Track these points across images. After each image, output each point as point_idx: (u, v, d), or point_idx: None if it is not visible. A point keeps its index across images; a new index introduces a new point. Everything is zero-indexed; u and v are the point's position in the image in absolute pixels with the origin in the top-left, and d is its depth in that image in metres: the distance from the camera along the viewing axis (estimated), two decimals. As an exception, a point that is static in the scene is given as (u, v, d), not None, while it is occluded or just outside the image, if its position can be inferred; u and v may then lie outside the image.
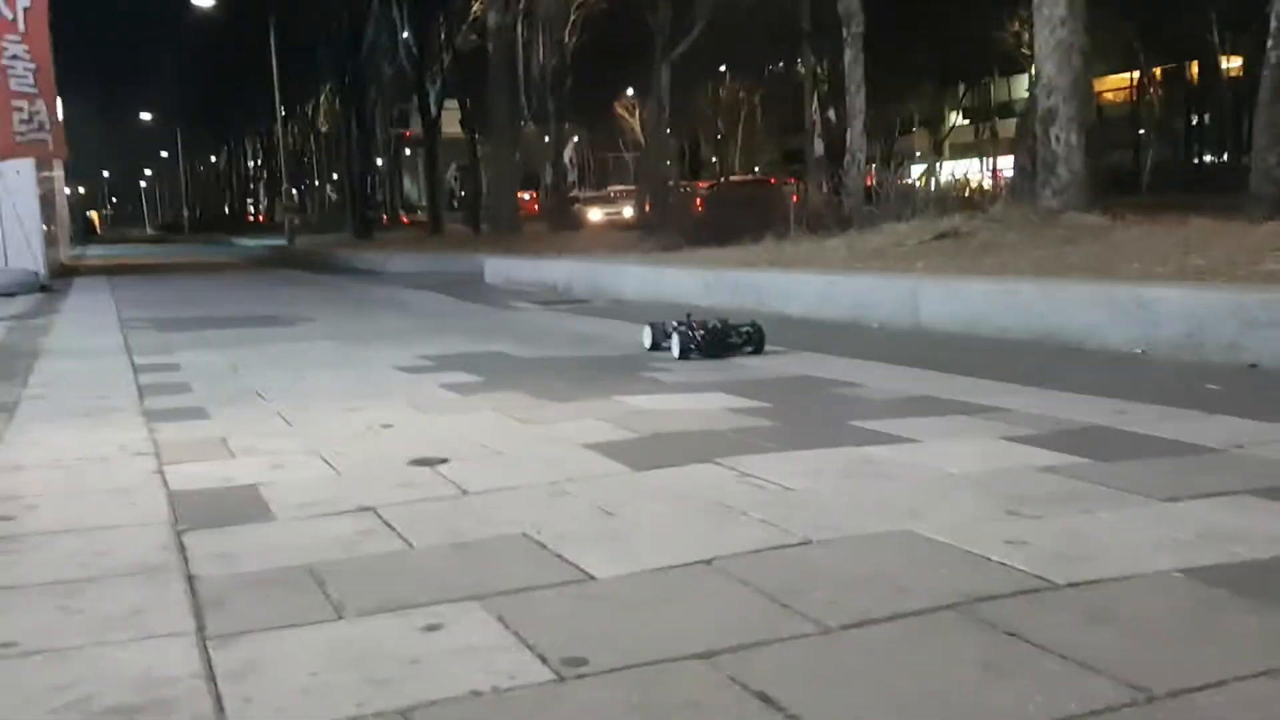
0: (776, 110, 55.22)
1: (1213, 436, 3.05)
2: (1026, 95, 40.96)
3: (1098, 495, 2.48)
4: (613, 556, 2.14)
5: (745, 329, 5.31)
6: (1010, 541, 2.14)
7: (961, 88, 53.22)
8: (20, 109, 12.64)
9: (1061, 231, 8.55)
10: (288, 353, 5.88)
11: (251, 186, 78.18)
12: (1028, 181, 11.15)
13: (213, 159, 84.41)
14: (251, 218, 71.76)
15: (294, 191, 48.89)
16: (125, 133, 77.41)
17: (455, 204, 50.72)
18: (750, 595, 1.91)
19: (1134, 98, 45.87)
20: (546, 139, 36.63)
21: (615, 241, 16.45)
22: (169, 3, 62.02)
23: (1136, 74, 44.62)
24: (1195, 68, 43.76)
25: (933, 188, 14.04)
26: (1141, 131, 45.24)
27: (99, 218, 75.99)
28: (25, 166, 14.72)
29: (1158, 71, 44.64)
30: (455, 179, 55.24)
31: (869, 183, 14.99)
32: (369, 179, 41.11)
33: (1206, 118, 45.96)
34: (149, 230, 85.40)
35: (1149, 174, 39.28)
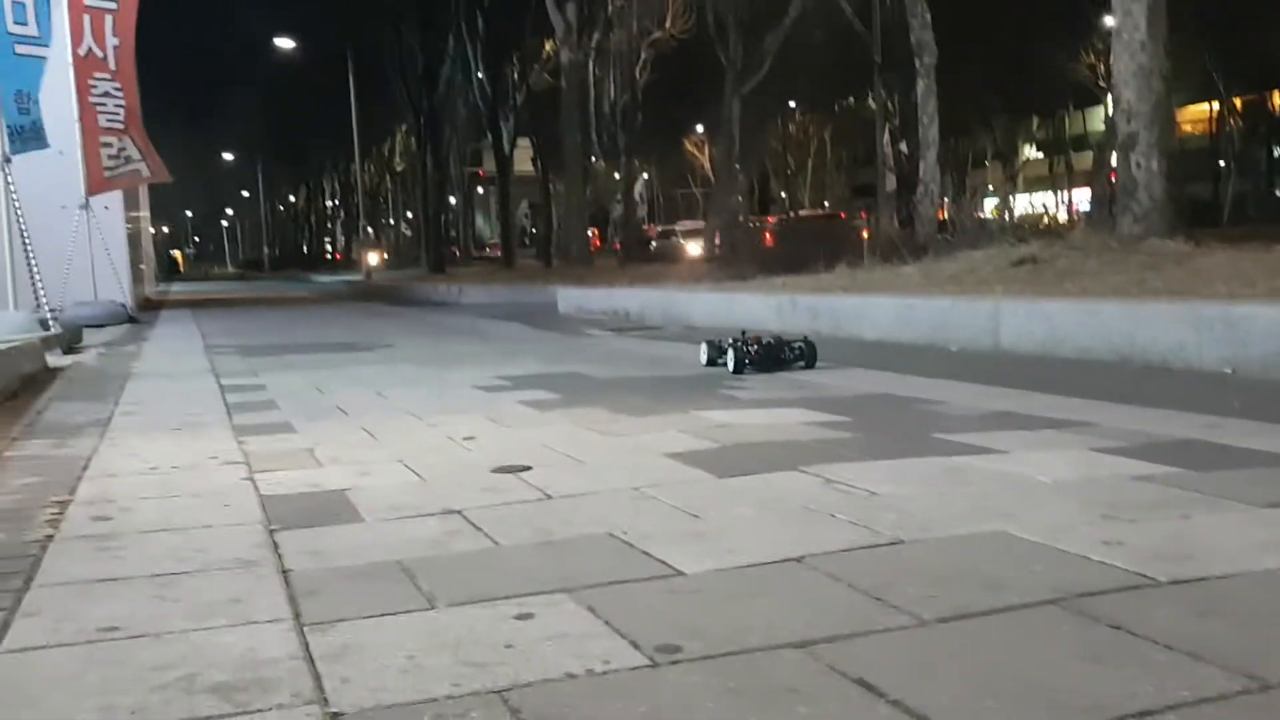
0: (846, 144, 55.14)
1: (1312, 449, 2.96)
2: (1103, 127, 40.49)
3: (1194, 501, 2.42)
4: (700, 554, 2.13)
5: (798, 345, 5.52)
6: (1108, 542, 2.09)
7: (1035, 120, 52.70)
8: (109, 144, 13.05)
9: (1142, 258, 8.39)
10: (368, 374, 5.96)
11: (329, 225, 79.70)
12: (1105, 212, 10.98)
13: (291, 198, 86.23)
14: (329, 255, 73.12)
15: (370, 229, 49.76)
16: (208, 173, 79.36)
17: (526, 240, 51.27)
18: (843, 590, 1.88)
19: (1213, 129, 45.03)
20: (616, 175, 36.91)
21: (685, 273, 16.49)
22: (251, 45, 63.86)
23: (1216, 104, 43.82)
24: (1277, 98, 42.90)
25: (1007, 218, 13.90)
26: (1221, 163, 44.37)
27: (182, 256, 77.97)
28: (114, 202, 15.18)
29: (1238, 101, 43.81)
30: (526, 215, 55.86)
31: (941, 215, 14.91)
32: (443, 216, 41.72)
33: (1289, 149, 44.99)
34: (230, 268, 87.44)
35: (1229, 206, 38.51)
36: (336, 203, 75.09)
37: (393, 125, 52.10)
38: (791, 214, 44.41)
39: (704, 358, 5.75)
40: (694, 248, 30.58)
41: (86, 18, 12.65)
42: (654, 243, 35.83)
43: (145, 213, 27.39)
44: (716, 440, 3.39)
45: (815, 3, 24.87)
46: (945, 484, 2.69)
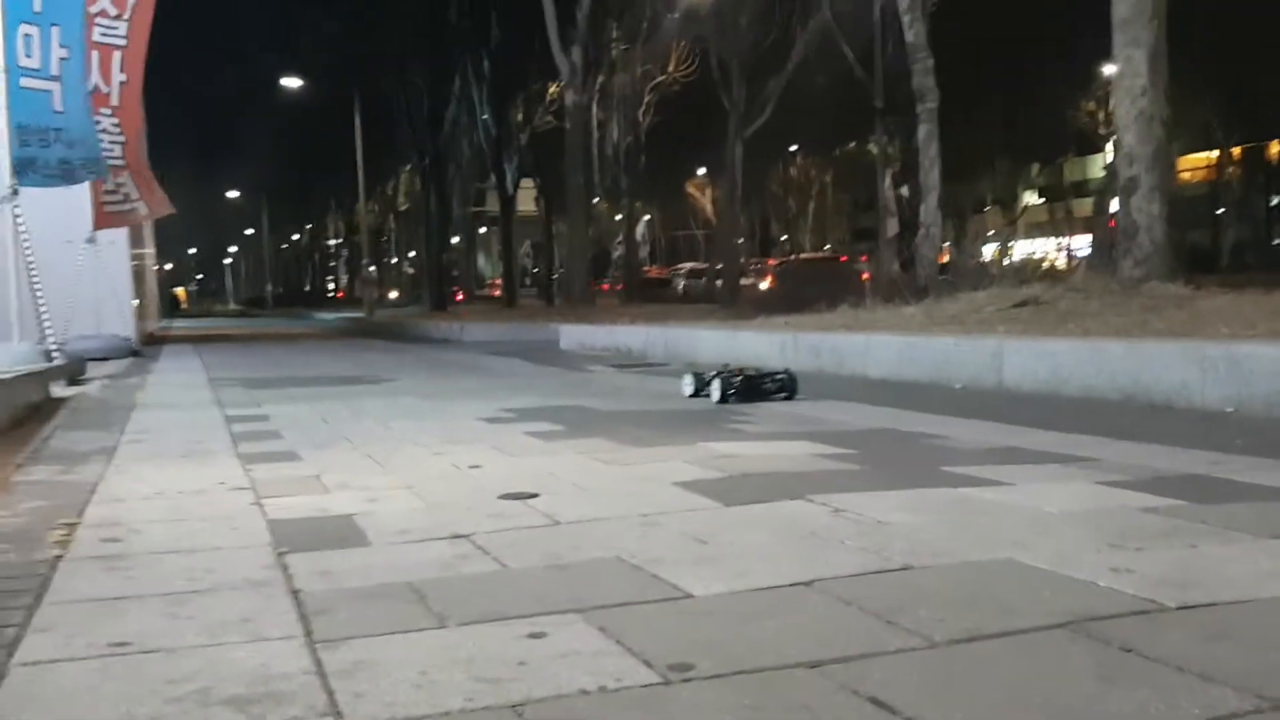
0: (848, 188, 55.42)
1: (1318, 484, 2.97)
2: (1103, 174, 40.73)
3: (1201, 532, 2.42)
4: (710, 577, 2.13)
5: (779, 376, 5.82)
6: (1115, 569, 2.10)
7: (1036, 167, 53.01)
8: (106, 181, 13.09)
9: (1143, 300, 8.43)
10: (373, 406, 5.97)
11: (332, 263, 79.98)
12: (1105, 256, 11.04)
13: (295, 236, 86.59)
14: (331, 294, 73.31)
15: (372, 268, 49.96)
16: (212, 210, 79.70)
17: (528, 280, 51.43)
18: (854, 613, 1.89)
19: (1212, 176, 45.31)
20: (618, 217, 37.11)
21: (687, 313, 16.53)
22: (257, 84, 64.36)
23: (1215, 152, 44.12)
24: (1276, 147, 43.18)
25: (1007, 262, 13.97)
26: (1220, 211, 44.60)
27: (185, 293, 78.18)
28: (119, 238, 15.23)
29: (1236, 150, 44.10)
30: (528, 255, 56.07)
31: (942, 259, 14.97)
32: (446, 255, 41.90)
33: (1288, 197, 45.21)
34: (232, 305, 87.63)
35: (1228, 253, 38.67)
36: (340, 241, 75.37)
37: (397, 165, 52.40)
38: (793, 256, 44.58)
39: (688, 390, 5.97)
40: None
41: (95, 53, 12.74)
42: (681, 283, 36.06)
43: (150, 249, 27.49)
44: (723, 470, 3.40)
45: (818, 48, 25.11)
46: (953, 514, 2.70)
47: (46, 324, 10.12)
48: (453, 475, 3.49)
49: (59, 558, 2.43)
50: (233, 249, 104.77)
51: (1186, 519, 2.56)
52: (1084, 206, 49.16)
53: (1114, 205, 10.92)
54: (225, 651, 1.75)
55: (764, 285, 26.09)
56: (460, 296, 44.15)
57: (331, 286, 76.94)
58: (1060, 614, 1.83)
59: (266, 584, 2.18)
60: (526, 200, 40.08)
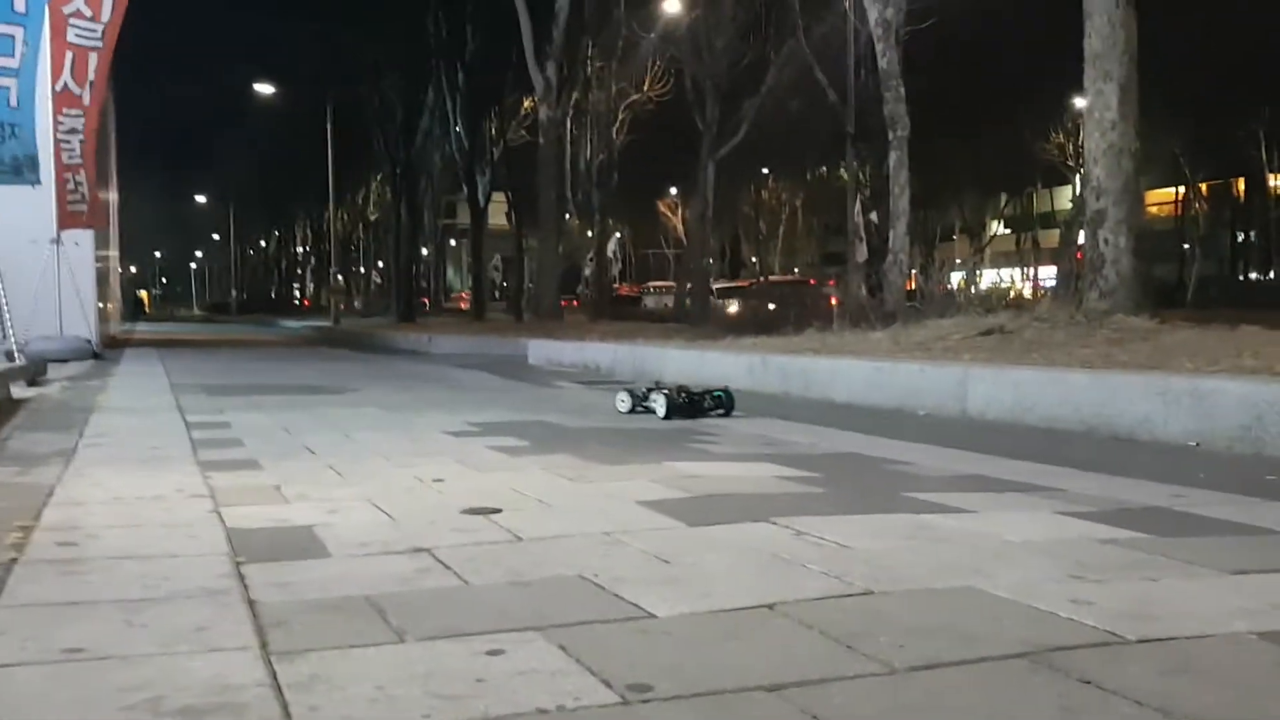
0: (818, 212, 55.79)
1: (1276, 521, 2.99)
2: (1070, 205, 41.20)
3: (1162, 565, 2.44)
4: (672, 598, 2.12)
5: (717, 393, 6.08)
6: (1076, 601, 2.11)
7: (1004, 197, 53.56)
8: (68, 180, 12.96)
9: (1108, 332, 8.50)
10: (336, 416, 5.93)
11: (299, 271, 79.45)
12: (1071, 287, 11.13)
13: (262, 243, 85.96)
14: (297, 302, 72.81)
15: (340, 276, 49.67)
16: (179, 214, 79.05)
17: (497, 294, 51.31)
18: (815, 637, 1.89)
19: (1179, 212, 45.95)
20: (590, 233, 37.11)
21: (655, 332, 16.54)
22: (228, 89, 63.99)
23: (1182, 188, 44.75)
24: (1242, 184, 43.86)
25: (973, 290, 14.07)
26: (1186, 246, 45.22)
27: (148, 296, 77.39)
28: (84, 239, 15.06)
29: (1204, 186, 44.77)
30: (498, 269, 55.95)
31: (910, 286, 15.07)
32: (415, 266, 41.73)
33: (1252, 234, 45.91)
34: (196, 310, 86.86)
35: (1193, 288, 39.14)
36: (307, 249, 74.91)
37: (368, 174, 52.22)
38: (762, 278, 44.76)
39: (624, 406, 6.13)
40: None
41: (70, 54, 12.63)
42: (649, 301, 36.18)
43: (115, 251, 27.24)
44: (688, 490, 3.40)
45: (792, 72, 25.28)
46: (915, 539, 2.70)
47: (9, 324, 10.00)
48: (416, 488, 3.46)
49: (14, 560, 2.39)
50: (199, 254, 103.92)
51: (1148, 552, 2.57)
52: (1050, 238, 49.73)
53: (1081, 237, 11.03)
54: (179, 661, 1.73)
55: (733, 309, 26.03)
56: (428, 306, 44.00)
57: (298, 294, 76.36)
58: (1021, 644, 1.83)
59: (223, 593, 2.15)
60: (498, 214, 39.95)
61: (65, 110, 12.68)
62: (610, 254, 42.00)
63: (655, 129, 33.89)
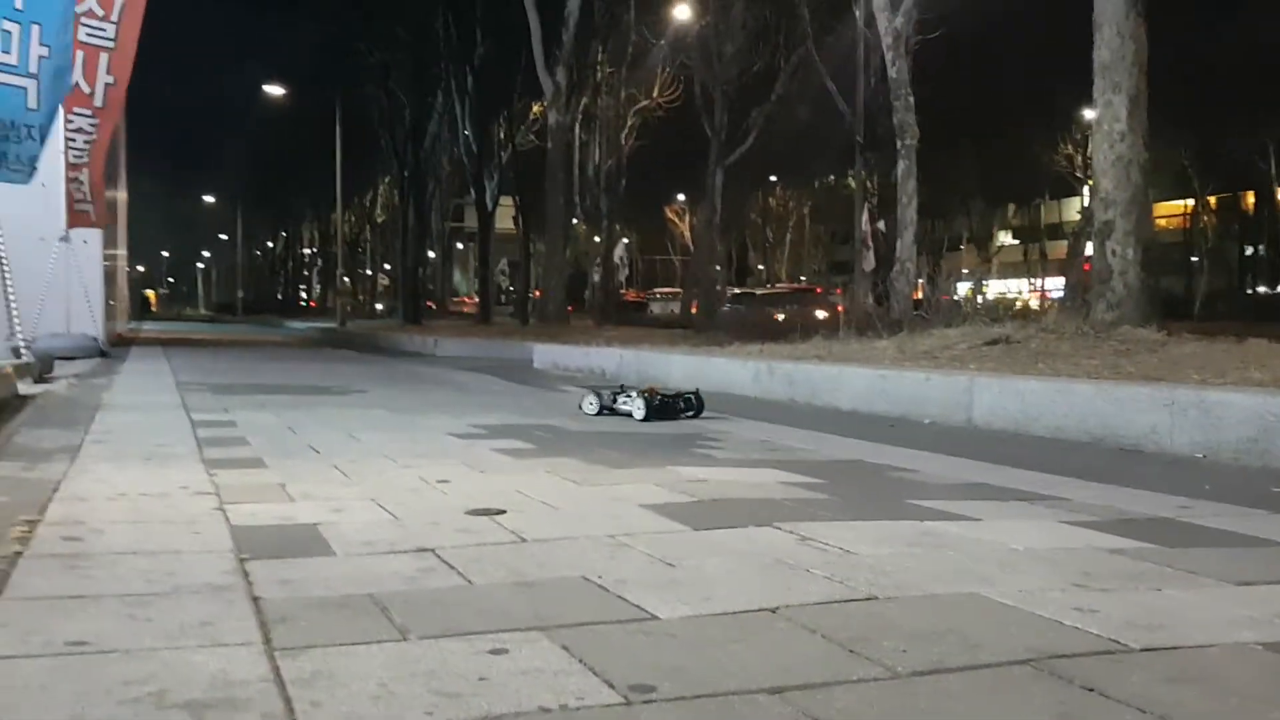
0: (825, 220, 55.82)
1: (1281, 532, 2.99)
2: (1078, 216, 41.13)
3: (1167, 575, 2.43)
4: (676, 600, 2.12)
5: (688, 395, 6.30)
6: (1080, 609, 2.10)
7: (1011, 208, 53.54)
8: (74, 179, 13.00)
9: (1115, 344, 8.49)
10: (341, 417, 5.93)
11: (305, 273, 79.57)
12: (1078, 298, 11.12)
13: (269, 244, 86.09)
14: (303, 303, 72.91)
15: (346, 278, 49.76)
16: (187, 214, 79.26)
17: (503, 298, 51.35)
18: (818, 641, 1.88)
19: (1187, 224, 45.88)
20: (596, 239, 37.15)
21: (661, 338, 16.54)
22: (239, 90, 64.16)
23: (1191, 201, 44.70)
24: (1251, 197, 43.79)
25: (979, 300, 14.05)
26: (1194, 259, 45.16)
27: (155, 296, 77.52)
28: (93, 238, 15.10)
29: (1212, 200, 44.71)
30: (504, 273, 56.00)
31: (916, 295, 15.07)
32: (421, 269, 41.79)
33: (1261, 248, 45.83)
34: (202, 310, 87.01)
35: (1201, 301, 39.09)
36: (314, 250, 75.01)
37: (376, 176, 52.28)
38: (769, 286, 44.79)
39: (592, 409, 6.27)
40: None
41: (80, 53, 12.66)
42: (655, 307, 36.24)
43: (123, 250, 27.28)
44: (692, 495, 3.40)
45: (801, 81, 25.32)
46: (919, 546, 2.70)
47: (17, 321, 10.02)
48: (420, 489, 3.47)
49: (19, 554, 2.39)
50: (206, 254, 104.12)
51: (1153, 562, 2.57)
52: (1058, 249, 49.68)
53: (1089, 248, 11.02)
54: (183, 655, 1.73)
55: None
56: (433, 308, 44.05)
57: (304, 296, 76.47)
58: (1024, 651, 1.83)
59: (227, 589, 2.15)
60: (505, 218, 39.98)
61: (75, 109, 12.70)
62: (617, 259, 41.99)
63: (664, 135, 33.93)
